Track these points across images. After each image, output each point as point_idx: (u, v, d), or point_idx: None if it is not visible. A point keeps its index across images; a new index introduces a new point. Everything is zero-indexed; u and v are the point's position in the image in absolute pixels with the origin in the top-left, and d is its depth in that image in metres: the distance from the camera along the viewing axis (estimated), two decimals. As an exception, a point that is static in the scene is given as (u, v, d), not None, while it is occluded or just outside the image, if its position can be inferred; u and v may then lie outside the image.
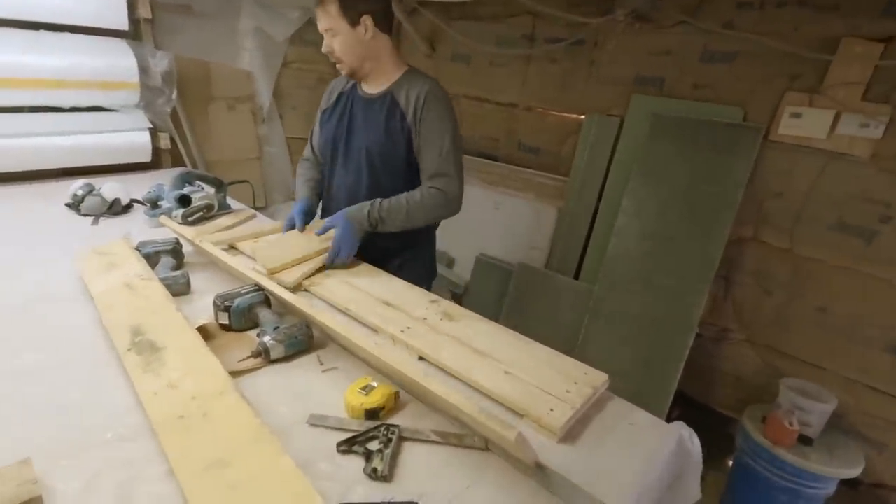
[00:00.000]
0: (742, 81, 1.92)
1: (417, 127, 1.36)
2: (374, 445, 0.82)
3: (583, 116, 2.31)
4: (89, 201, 1.77)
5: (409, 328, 1.14)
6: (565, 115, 2.39)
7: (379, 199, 1.35)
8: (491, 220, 2.57)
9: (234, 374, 0.97)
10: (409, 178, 1.41)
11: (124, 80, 2.14)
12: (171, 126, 2.49)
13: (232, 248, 1.48)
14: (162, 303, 1.10)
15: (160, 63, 2.28)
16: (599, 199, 2.25)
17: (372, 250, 1.44)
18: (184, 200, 1.71)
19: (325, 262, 1.34)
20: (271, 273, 1.28)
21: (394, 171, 1.42)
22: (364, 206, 1.35)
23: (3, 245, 1.48)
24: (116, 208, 1.79)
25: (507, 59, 2.49)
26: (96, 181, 1.85)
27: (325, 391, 0.95)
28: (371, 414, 0.88)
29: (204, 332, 1.09)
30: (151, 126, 2.32)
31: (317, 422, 0.86)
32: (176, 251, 1.38)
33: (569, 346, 2.16)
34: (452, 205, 1.42)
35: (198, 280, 1.32)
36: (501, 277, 2.44)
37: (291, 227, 1.46)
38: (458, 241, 2.67)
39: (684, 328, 1.90)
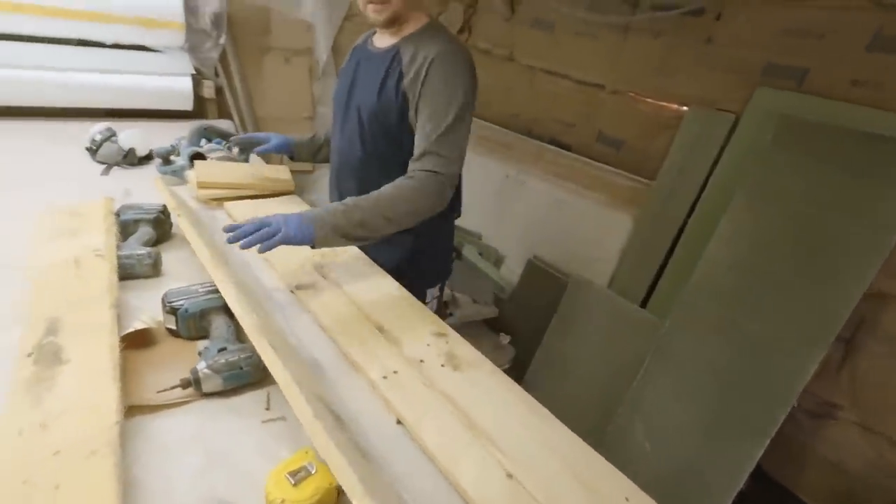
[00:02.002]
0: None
1: (416, 94, 1.08)
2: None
3: (685, 108, 1.85)
4: (106, 148, 1.62)
5: (395, 373, 0.85)
6: (662, 104, 1.93)
7: (350, 199, 1.02)
8: (551, 219, 2.20)
9: (150, 408, 0.74)
10: (410, 151, 1.11)
11: (168, 20, 1.97)
12: (220, 73, 2.32)
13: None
14: (102, 291, 0.89)
15: (210, 3, 2.09)
16: (690, 213, 1.81)
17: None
18: (197, 159, 1.52)
19: (238, 233, 0.90)
20: (200, 186, 1.37)
21: (389, 141, 1.17)
22: (334, 209, 0.99)
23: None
24: (132, 159, 1.63)
25: (598, 27, 2.04)
26: (121, 126, 1.71)
27: (252, 458, 0.69)
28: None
29: (143, 337, 0.87)
30: (195, 72, 2.16)
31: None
32: (159, 221, 1.18)
33: (621, 386, 1.79)
34: (435, 196, 1.06)
35: (175, 261, 1.11)
36: (553, 287, 2.08)
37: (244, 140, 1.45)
38: (511, 237, 2.33)
39: (778, 396, 1.46)
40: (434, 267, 1.38)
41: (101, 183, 1.51)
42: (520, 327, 2.23)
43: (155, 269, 1.06)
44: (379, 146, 1.18)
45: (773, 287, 1.52)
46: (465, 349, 0.95)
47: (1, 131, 1.77)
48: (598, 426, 1.79)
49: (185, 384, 0.76)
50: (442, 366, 0.89)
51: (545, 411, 0.82)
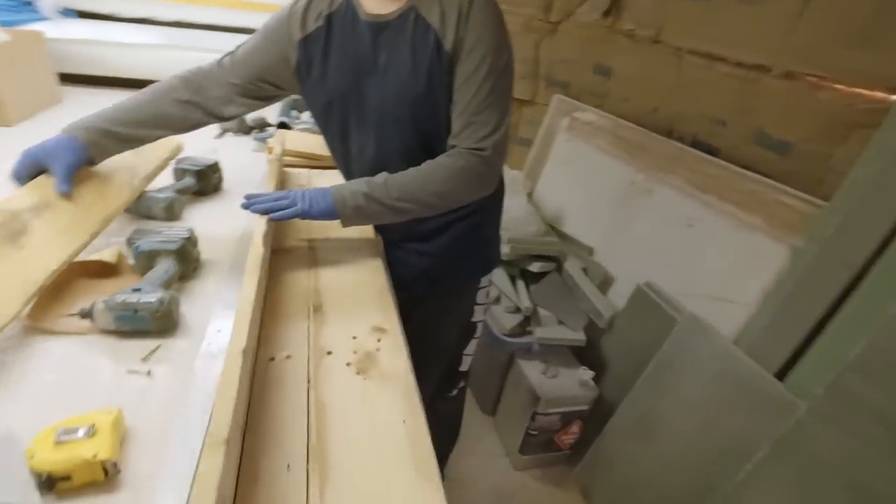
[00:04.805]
0: None
1: (460, 55, 0.86)
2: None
3: (893, 98, 1.23)
4: (228, 117, 1.82)
5: (287, 357, 0.71)
6: (859, 90, 1.32)
7: (380, 177, 0.91)
8: (678, 239, 1.73)
9: (43, 330, 0.74)
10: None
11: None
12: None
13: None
14: (98, 215, 0.94)
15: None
16: (877, 255, 1.20)
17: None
18: (282, 128, 1.60)
19: (254, 200, 0.91)
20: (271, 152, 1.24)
21: (438, 130, 0.92)
22: (357, 189, 0.90)
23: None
24: (244, 127, 1.80)
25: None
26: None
27: (87, 401, 0.63)
28: (47, 483, 0.53)
29: (111, 269, 0.90)
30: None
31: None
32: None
33: (721, 473, 1.30)
34: (482, 175, 0.91)
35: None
36: (660, 325, 1.63)
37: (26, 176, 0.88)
38: (625, 256, 1.92)
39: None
40: (488, 250, 1.19)
41: (208, 143, 1.69)
42: (611, 365, 1.82)
43: (168, 213, 1.11)
44: (428, 135, 0.94)
45: None
46: (392, 356, 0.75)
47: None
48: (676, 518, 1.33)
49: (82, 314, 0.75)
50: (347, 364, 0.72)
51: (436, 481, 0.56)
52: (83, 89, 1.95)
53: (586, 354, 1.87)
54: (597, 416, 1.75)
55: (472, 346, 1.27)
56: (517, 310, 1.83)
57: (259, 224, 0.85)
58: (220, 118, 1.01)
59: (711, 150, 1.74)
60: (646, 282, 1.77)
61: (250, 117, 1.71)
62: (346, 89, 0.94)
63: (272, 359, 0.71)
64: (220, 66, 0.99)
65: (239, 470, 0.53)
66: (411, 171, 0.90)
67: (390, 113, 0.92)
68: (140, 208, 1.09)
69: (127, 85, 1.82)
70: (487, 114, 0.87)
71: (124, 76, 1.95)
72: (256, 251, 0.76)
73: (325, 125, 1.03)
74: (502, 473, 1.79)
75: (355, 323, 0.80)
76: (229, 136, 1.78)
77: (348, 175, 1.06)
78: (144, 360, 0.72)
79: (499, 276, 1.95)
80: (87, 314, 0.75)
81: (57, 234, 0.82)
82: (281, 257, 0.97)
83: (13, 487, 0.53)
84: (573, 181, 2.22)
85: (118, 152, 0.96)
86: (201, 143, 1.67)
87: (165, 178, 1.23)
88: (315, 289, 0.88)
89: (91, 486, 0.54)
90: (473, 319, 1.22)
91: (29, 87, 1.64)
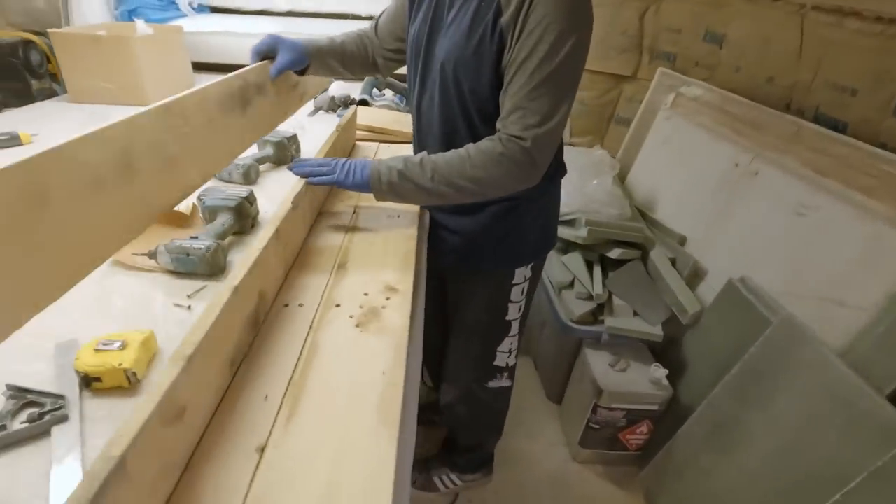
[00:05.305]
0: None
1: (516, 31, 0.78)
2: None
3: None
4: (321, 96, 1.98)
5: (300, 305, 0.77)
6: None
7: (418, 156, 0.89)
8: (786, 230, 1.49)
9: (121, 264, 0.89)
10: None
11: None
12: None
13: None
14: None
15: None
16: None
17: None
18: (362, 105, 1.69)
19: (300, 163, 0.94)
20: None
21: (481, 101, 0.89)
22: (393, 167, 0.88)
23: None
24: (333, 106, 1.94)
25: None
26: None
27: (136, 320, 0.75)
28: (85, 380, 0.64)
29: (185, 217, 1.05)
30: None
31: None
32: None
33: (813, 499, 1.12)
34: (523, 168, 0.83)
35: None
36: (752, 325, 1.43)
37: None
38: (721, 247, 1.71)
39: None
40: (526, 240, 1.09)
41: (300, 119, 1.86)
42: (691, 366, 1.64)
43: (245, 178, 1.24)
44: (468, 108, 0.91)
45: None
46: (395, 314, 0.77)
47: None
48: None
49: (150, 255, 0.89)
50: (350, 317, 0.75)
51: (394, 427, 0.58)
52: (211, 76, 2.24)
53: (664, 351, 1.72)
54: (670, 418, 1.60)
55: (506, 344, 1.19)
56: (589, 297, 1.74)
57: (297, 185, 0.92)
58: (378, 71, 1.16)
59: (837, 126, 1.46)
60: (740, 277, 1.56)
61: (338, 95, 1.83)
62: (422, 43, 0.94)
63: (286, 305, 0.77)
64: (372, 28, 1.12)
65: (222, 399, 0.59)
66: (451, 152, 0.86)
67: (440, 72, 0.90)
68: (221, 173, 1.24)
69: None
70: (540, 102, 0.79)
71: (246, 63, 2.21)
72: (284, 208, 0.83)
73: (409, 85, 1.04)
74: (561, 462, 1.73)
75: (370, 281, 0.84)
76: (321, 114, 1.93)
77: (418, 145, 1.07)
78: (190, 297, 0.84)
79: (574, 260, 1.87)
80: (152, 255, 0.88)
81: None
82: (326, 218, 1.04)
83: (67, 381, 0.65)
84: (670, 163, 2.02)
85: (319, 75, 1.12)
86: (294, 118, 1.83)
87: (251, 148, 1.38)
88: (346, 248, 0.93)
89: (118, 390, 0.65)
90: (507, 318, 1.14)
91: (167, 73, 1.94)
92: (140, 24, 1.81)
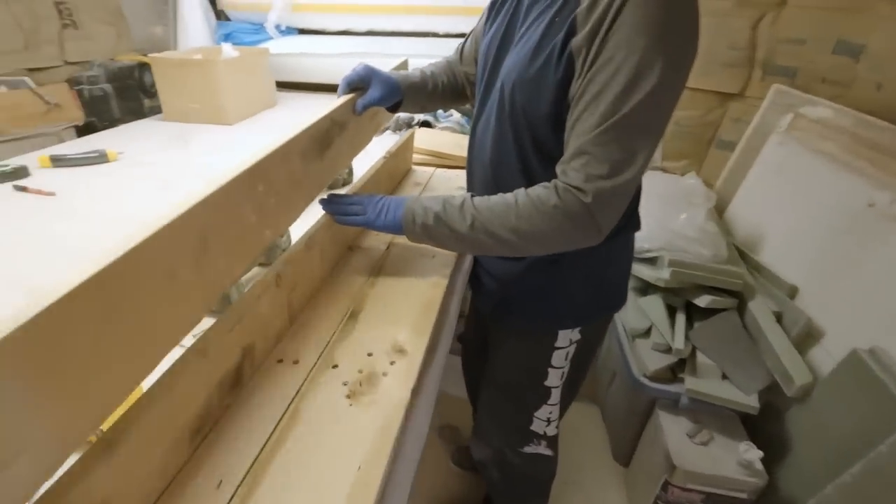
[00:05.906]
0: None
1: (590, 57, 0.62)
2: None
3: None
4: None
5: (295, 363, 0.69)
6: None
7: (459, 197, 0.76)
8: (938, 294, 1.16)
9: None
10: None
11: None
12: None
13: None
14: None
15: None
16: None
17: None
18: (424, 126, 1.62)
19: (331, 200, 0.85)
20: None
21: (537, 134, 0.74)
22: (429, 208, 0.77)
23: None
24: (399, 125, 1.89)
25: None
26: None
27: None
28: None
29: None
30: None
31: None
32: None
33: None
34: (579, 225, 0.67)
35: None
36: (882, 409, 1.11)
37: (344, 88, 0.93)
38: (844, 305, 1.38)
39: None
40: (573, 299, 0.90)
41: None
42: (795, 450, 1.33)
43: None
44: (522, 141, 0.76)
45: None
46: (396, 383, 0.66)
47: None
48: None
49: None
50: (343, 384, 0.66)
51: None
52: (293, 94, 2.32)
53: (760, 427, 1.42)
54: (763, 513, 1.31)
55: (544, 412, 1.01)
56: (668, 349, 1.50)
57: (320, 220, 0.84)
58: (469, 100, 1.07)
59: None
60: (869, 347, 1.24)
61: (403, 116, 1.78)
62: (489, 59, 0.82)
63: (280, 361, 0.69)
64: (457, 52, 1.06)
65: (171, 483, 0.52)
66: (497, 197, 0.73)
67: (499, 91, 0.77)
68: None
69: (329, 90, 2.09)
70: (609, 149, 0.63)
71: (326, 82, 2.26)
72: (294, 248, 0.76)
73: (473, 105, 0.93)
74: (623, 538, 1.50)
75: (378, 338, 0.73)
76: (387, 134, 1.89)
77: (468, 172, 0.93)
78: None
79: (653, 304, 1.63)
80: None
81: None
82: (355, 255, 0.96)
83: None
84: (782, 196, 1.70)
85: (408, 112, 1.05)
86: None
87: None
88: (364, 293, 0.84)
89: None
90: (546, 383, 0.97)
91: (251, 93, 2.02)
92: (226, 48, 1.90)
